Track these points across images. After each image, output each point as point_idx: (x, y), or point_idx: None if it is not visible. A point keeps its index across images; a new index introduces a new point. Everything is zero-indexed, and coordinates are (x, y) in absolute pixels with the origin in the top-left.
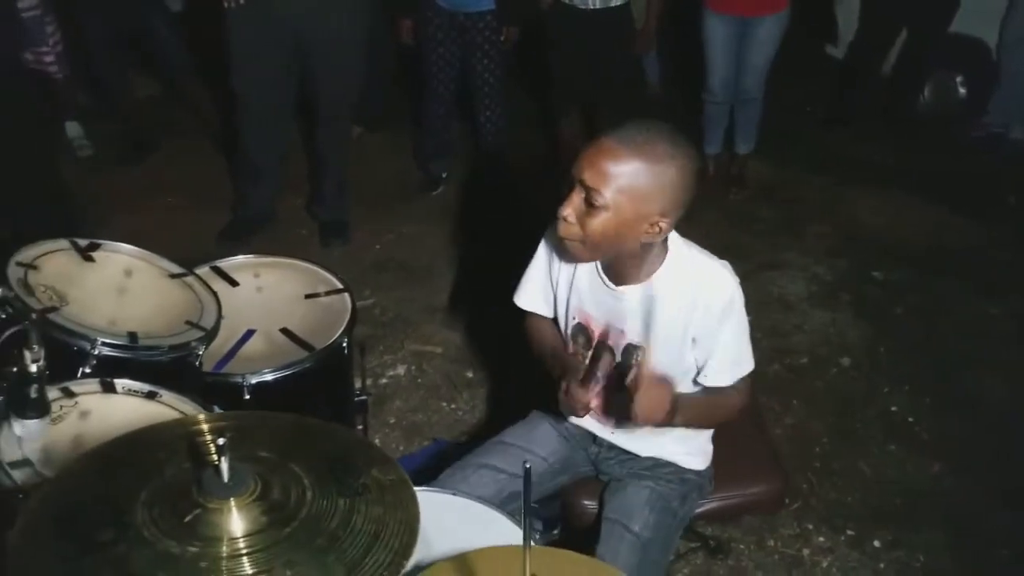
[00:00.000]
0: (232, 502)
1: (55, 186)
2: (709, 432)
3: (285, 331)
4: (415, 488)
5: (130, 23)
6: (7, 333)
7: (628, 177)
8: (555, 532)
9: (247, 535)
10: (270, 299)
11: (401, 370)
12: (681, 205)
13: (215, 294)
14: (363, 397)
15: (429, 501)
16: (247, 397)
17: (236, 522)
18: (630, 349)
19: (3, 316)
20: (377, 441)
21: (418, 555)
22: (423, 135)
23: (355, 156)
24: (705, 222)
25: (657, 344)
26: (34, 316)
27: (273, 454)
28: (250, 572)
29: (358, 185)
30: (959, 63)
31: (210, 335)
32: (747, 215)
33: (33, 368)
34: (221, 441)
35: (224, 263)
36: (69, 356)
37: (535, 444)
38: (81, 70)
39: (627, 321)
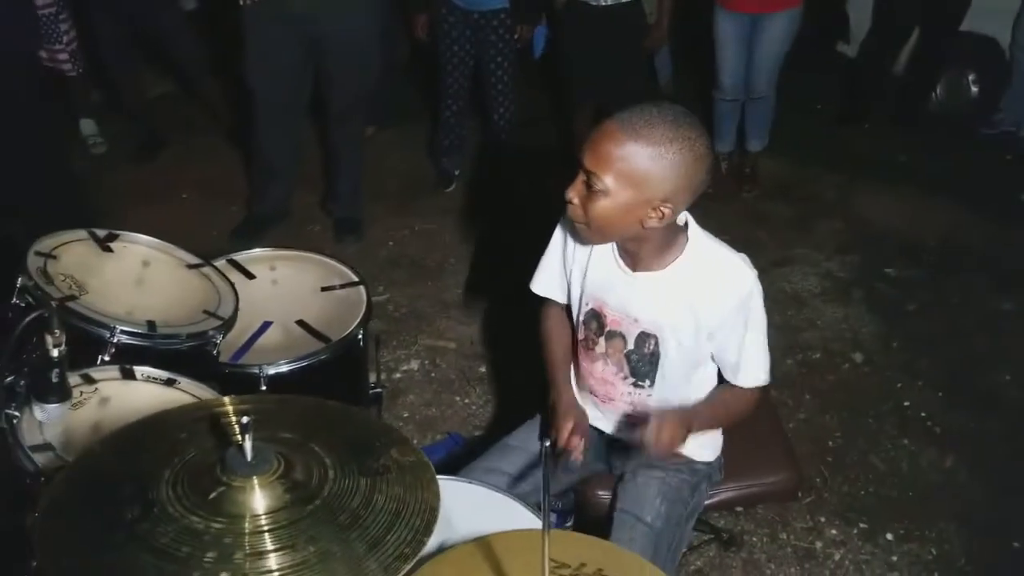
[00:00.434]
0: (255, 480)
1: (69, 183)
2: None
3: (301, 323)
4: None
5: (142, 22)
6: (27, 320)
7: (626, 161)
8: (568, 524)
9: (270, 512)
10: (286, 292)
11: (415, 365)
12: (687, 190)
13: (232, 284)
14: (378, 390)
15: (448, 488)
16: (263, 388)
17: (259, 500)
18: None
19: (22, 305)
20: None
21: (441, 536)
22: (437, 132)
23: (369, 153)
24: (717, 219)
25: (670, 333)
26: (54, 304)
27: (295, 435)
28: (274, 547)
29: (372, 182)
30: (972, 62)
31: (228, 324)
32: (759, 212)
33: (55, 352)
34: (245, 420)
35: (240, 256)
36: (88, 344)
37: (538, 445)
38: (95, 68)
39: (641, 309)
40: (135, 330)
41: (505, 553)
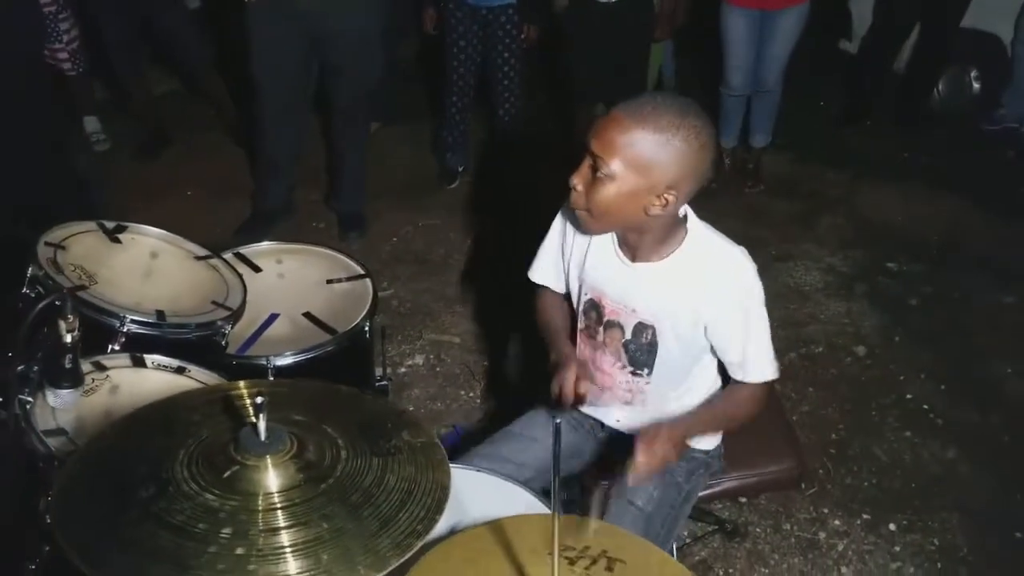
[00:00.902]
0: (269, 459)
1: (73, 181)
2: None
3: (308, 315)
4: None
5: (145, 20)
6: (40, 305)
7: (633, 147)
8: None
9: (283, 491)
10: (292, 284)
11: (419, 359)
12: (691, 179)
13: (240, 276)
14: (384, 383)
15: (456, 474)
16: (271, 379)
17: (273, 479)
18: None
19: (33, 295)
20: None
21: (453, 519)
22: (441, 128)
23: (373, 149)
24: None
25: (668, 324)
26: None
27: (307, 417)
28: (287, 524)
29: (376, 178)
30: (973, 58)
31: (236, 314)
32: (762, 208)
33: (68, 338)
34: (259, 400)
35: (247, 249)
36: (98, 334)
37: (542, 433)
38: (99, 65)
39: (640, 299)
40: (144, 319)
41: (515, 536)
